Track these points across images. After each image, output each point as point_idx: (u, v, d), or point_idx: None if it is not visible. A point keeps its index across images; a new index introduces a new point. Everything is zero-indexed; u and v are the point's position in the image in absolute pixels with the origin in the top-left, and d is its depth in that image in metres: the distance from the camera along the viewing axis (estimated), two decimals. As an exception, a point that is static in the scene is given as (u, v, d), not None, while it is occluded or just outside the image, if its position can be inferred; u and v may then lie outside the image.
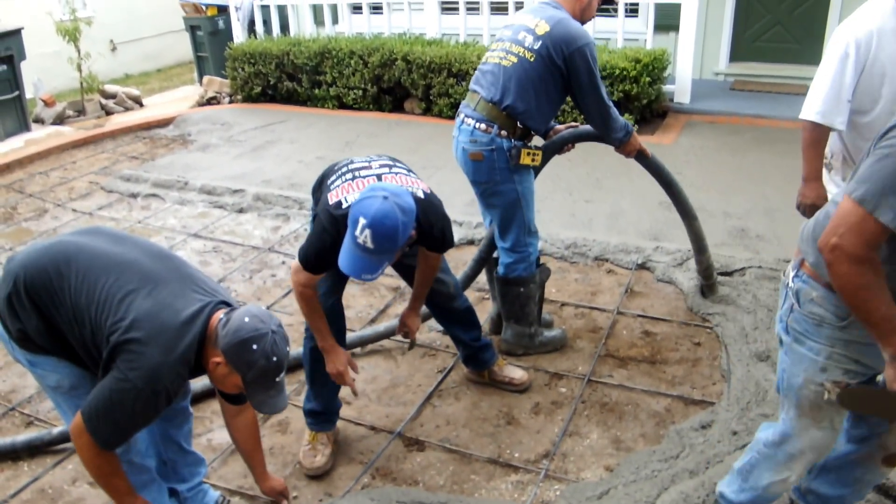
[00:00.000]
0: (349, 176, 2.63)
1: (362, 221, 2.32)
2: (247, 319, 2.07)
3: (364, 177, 2.60)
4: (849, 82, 2.79)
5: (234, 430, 2.51)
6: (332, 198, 2.57)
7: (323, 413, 3.08)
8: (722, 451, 2.90)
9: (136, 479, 2.37)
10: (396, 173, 2.66)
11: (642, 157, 3.54)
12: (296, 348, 3.29)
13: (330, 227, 2.53)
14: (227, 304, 2.20)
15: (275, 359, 2.07)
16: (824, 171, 3.10)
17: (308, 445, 3.05)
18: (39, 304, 2.16)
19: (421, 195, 2.60)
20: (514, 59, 3.18)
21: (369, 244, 2.35)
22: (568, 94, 3.29)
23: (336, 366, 2.84)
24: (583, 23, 3.25)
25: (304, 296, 2.68)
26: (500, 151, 3.21)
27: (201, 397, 3.44)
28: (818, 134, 2.92)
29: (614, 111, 3.30)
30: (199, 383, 3.43)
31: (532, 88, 3.17)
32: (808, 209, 3.05)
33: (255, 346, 2.04)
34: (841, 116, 2.83)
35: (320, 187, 2.80)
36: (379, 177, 2.60)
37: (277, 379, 2.12)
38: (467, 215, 5.15)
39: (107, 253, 2.20)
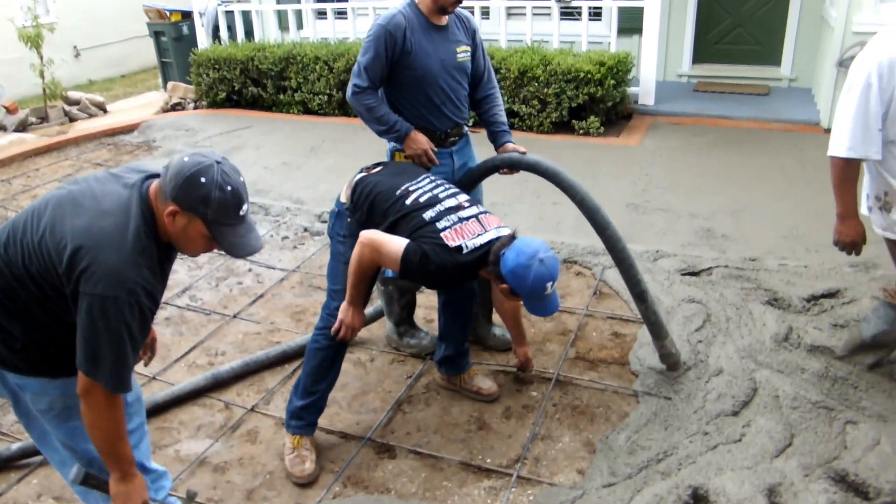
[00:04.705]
0: (454, 218, 2.80)
1: (548, 284, 2.66)
2: (186, 158, 1.93)
3: (467, 218, 2.82)
4: (874, 111, 2.70)
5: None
6: (448, 241, 2.71)
7: (313, 412, 3.05)
8: (694, 451, 2.92)
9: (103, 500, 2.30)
10: (486, 213, 2.92)
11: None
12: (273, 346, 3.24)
13: (452, 266, 2.71)
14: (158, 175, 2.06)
15: (229, 188, 1.93)
16: (880, 212, 2.98)
17: (293, 452, 3.01)
18: (8, 304, 2.04)
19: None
20: None
21: (553, 288, 2.71)
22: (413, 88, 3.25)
23: (354, 322, 2.91)
24: (443, 7, 3.12)
25: (365, 263, 2.77)
26: None
27: (168, 406, 3.39)
28: (850, 170, 2.83)
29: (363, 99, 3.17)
30: (163, 392, 3.39)
31: None
32: (847, 247, 2.98)
33: (202, 179, 1.89)
34: (874, 146, 2.75)
35: (371, 210, 2.91)
36: (477, 217, 2.84)
37: (241, 213, 1.98)
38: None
39: (30, 207, 2.10)
